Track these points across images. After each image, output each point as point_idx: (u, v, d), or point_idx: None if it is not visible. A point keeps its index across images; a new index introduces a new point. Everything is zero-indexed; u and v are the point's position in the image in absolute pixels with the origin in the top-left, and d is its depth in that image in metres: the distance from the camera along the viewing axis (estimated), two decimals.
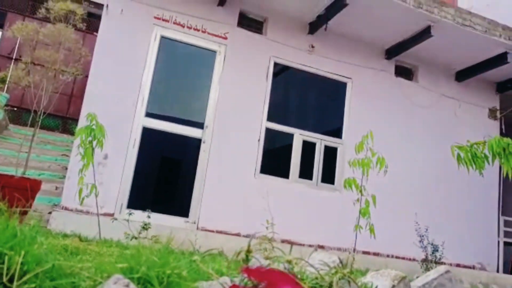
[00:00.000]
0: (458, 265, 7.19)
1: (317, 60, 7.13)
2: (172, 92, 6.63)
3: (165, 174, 9.90)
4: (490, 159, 4.80)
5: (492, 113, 8.23)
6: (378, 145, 6.86)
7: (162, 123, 6.27)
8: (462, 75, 7.97)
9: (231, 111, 6.53)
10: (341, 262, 1.27)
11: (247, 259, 1.15)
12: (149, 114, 6.20)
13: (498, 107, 8.29)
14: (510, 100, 8.30)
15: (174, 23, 6.47)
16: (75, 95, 9.90)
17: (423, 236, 6.47)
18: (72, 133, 8.93)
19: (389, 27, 6.97)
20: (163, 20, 6.42)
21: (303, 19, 7.05)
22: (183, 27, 6.51)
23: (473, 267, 7.42)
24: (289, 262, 1.30)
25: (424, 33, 6.80)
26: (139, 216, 4.97)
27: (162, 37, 6.41)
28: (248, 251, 1.12)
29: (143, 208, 5.27)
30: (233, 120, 6.51)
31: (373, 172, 4.62)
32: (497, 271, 7.64)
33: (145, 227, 4.54)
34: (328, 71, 7.18)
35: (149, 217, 4.75)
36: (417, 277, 2.65)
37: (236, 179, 6.37)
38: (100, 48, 6.13)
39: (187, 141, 7.07)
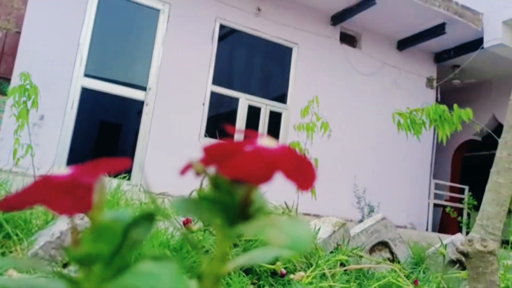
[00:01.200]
0: None
1: (263, 23, 7.06)
2: (113, 52, 6.37)
3: (106, 137, 9.59)
4: (427, 125, 5.06)
5: (429, 82, 8.58)
6: (322, 110, 6.95)
7: (102, 84, 6.03)
8: (403, 44, 8.21)
9: (175, 73, 6.38)
10: (287, 206, 1.30)
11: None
12: (88, 75, 5.93)
13: (435, 77, 8.65)
14: (446, 70, 8.68)
15: None
16: (6, 52, 9.27)
17: (360, 197, 6.76)
18: (3, 93, 8.42)
19: None
20: None
21: None
22: None
23: (405, 227, 7.87)
24: None
25: (368, 1, 6.90)
26: None
27: None
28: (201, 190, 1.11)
29: None
30: (177, 82, 6.37)
31: (317, 136, 4.70)
32: (426, 230, 8.15)
33: None
34: (274, 35, 7.15)
35: None
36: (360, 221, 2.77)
37: (180, 142, 6.29)
38: (35, 1, 5.73)
39: (129, 103, 6.86)
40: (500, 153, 1.05)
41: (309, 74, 7.38)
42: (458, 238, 1.78)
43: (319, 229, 1.18)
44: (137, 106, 6.68)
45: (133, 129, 6.34)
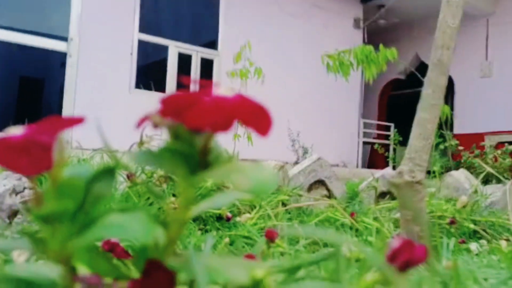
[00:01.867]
0: None
1: None
2: (27, 1, 5.87)
3: (27, 93, 9.01)
4: (355, 65, 5.22)
5: (356, 23, 8.75)
6: (254, 55, 6.94)
7: (17, 35, 5.59)
8: None
9: (98, 21, 6.02)
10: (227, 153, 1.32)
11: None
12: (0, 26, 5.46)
13: (361, 17, 8.82)
14: (372, 10, 8.86)
15: None
16: None
17: (294, 140, 6.96)
18: None
19: None
20: None
21: None
22: None
23: (337, 165, 8.26)
24: None
25: None
26: None
27: None
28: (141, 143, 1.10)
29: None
30: (101, 32, 6.03)
31: (251, 82, 4.71)
32: (357, 167, 8.61)
33: None
34: None
35: None
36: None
37: (109, 95, 6.06)
38: None
39: (50, 56, 6.46)
40: (426, 90, 1.12)
41: (239, 18, 7.25)
42: (388, 171, 1.92)
43: None
44: (60, 58, 6.30)
45: (57, 84, 6.00)
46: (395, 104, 11.43)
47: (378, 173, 1.92)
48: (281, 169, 1.38)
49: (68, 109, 5.79)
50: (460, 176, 1.83)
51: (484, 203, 1.62)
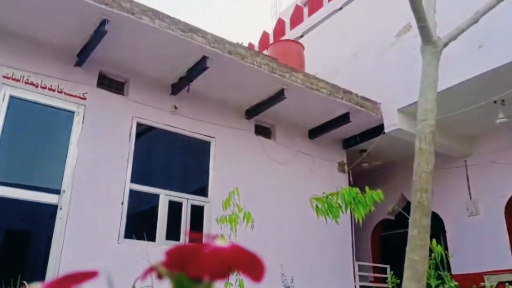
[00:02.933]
0: None
1: (180, 120, 7.23)
2: (24, 155, 6.09)
3: (12, 247, 8.77)
4: (343, 207, 5.30)
5: (340, 166, 9.11)
6: (243, 201, 7.04)
7: (10, 190, 5.68)
8: (314, 133, 8.77)
9: (91, 173, 6.21)
10: None
11: None
12: None
13: (345, 161, 9.22)
14: (354, 154, 9.30)
15: (26, 82, 6.06)
16: None
17: (289, 287, 6.70)
18: None
19: (248, 90, 7.45)
20: (13, 79, 5.98)
21: (165, 80, 7.17)
22: (37, 87, 6.13)
23: None
24: None
25: (279, 95, 7.40)
26: None
27: (12, 97, 5.95)
28: None
29: None
30: (93, 183, 6.18)
31: (241, 228, 4.71)
32: None
33: None
34: (192, 131, 7.32)
35: None
36: None
37: (98, 246, 5.95)
38: None
39: (40, 208, 6.47)
40: (411, 231, 1.15)
41: (228, 166, 7.53)
42: None
43: None
44: (49, 211, 6.31)
45: (44, 236, 5.93)
46: (387, 244, 11.31)
47: None
48: None
49: (54, 261, 5.62)
50: None
51: None
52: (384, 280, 9.41)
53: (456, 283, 5.91)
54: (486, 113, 7.69)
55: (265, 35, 13.34)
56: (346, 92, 7.97)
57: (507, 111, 7.48)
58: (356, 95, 8.08)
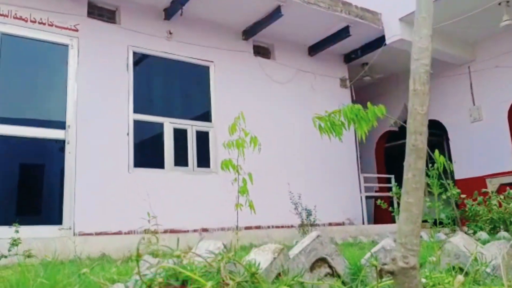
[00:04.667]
0: (330, 224, 7.86)
1: (177, 46, 7.08)
2: (24, 93, 6.06)
3: (29, 182, 9.07)
4: (346, 125, 5.33)
5: (342, 82, 9.02)
6: (248, 124, 7.10)
7: (16, 128, 5.73)
8: (314, 50, 8.58)
9: (94, 107, 6.21)
10: (225, 247, 1.34)
11: (137, 264, 1.15)
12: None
13: (347, 77, 9.11)
14: (356, 68, 9.16)
15: (14, 17, 5.88)
16: None
17: (297, 203, 6.95)
18: None
19: (243, 9, 7.19)
20: (1, 15, 5.79)
21: (157, 5, 6.91)
22: (26, 21, 5.95)
23: (343, 223, 8.18)
24: (178, 256, 1.33)
25: (276, 13, 7.15)
26: (5, 232, 4.55)
27: (2, 34, 5.80)
28: (138, 255, 1.12)
29: (8, 222, 4.81)
30: (97, 116, 6.20)
31: (248, 151, 4.77)
32: (363, 223, 8.53)
33: (15, 243, 4.17)
34: (189, 56, 7.19)
35: (17, 231, 4.36)
36: (296, 242, 2.86)
37: (109, 177, 6.12)
38: None
39: (49, 144, 6.58)
40: (406, 175, 1.16)
41: (229, 89, 7.48)
42: (387, 242, 1.92)
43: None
44: (58, 145, 6.41)
45: (57, 169, 6.06)
46: (391, 155, 11.51)
47: (376, 246, 1.92)
48: (281, 252, 1.39)
49: (69, 192, 5.82)
50: (459, 242, 1.84)
51: (486, 270, 1.61)
52: (389, 190, 9.71)
53: (459, 190, 6.10)
54: (490, 16, 7.43)
55: None
56: (346, 3, 7.68)
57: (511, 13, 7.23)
58: (356, 7, 7.79)
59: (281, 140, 7.79)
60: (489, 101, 8.72)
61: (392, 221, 8.40)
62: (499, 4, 7.24)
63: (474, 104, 8.95)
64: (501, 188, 7.41)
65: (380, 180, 10.46)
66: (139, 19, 6.80)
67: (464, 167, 9.03)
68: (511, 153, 8.33)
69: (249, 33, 7.75)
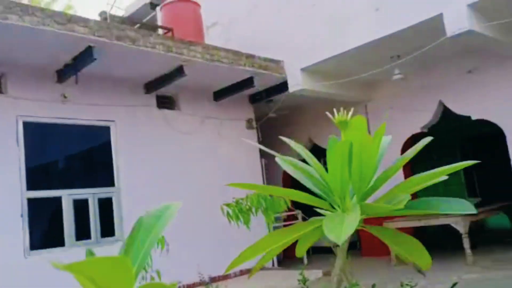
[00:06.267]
0: (241, 272, 7.98)
1: (73, 109, 6.64)
2: None
3: None
4: (254, 211, 5.39)
5: (249, 123, 9.10)
6: (152, 180, 7.04)
7: None
8: (219, 95, 8.53)
9: None
10: None
11: None
12: None
13: (253, 118, 9.20)
14: (262, 106, 9.27)
15: None
16: None
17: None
18: None
19: (145, 68, 6.94)
20: None
21: (48, 68, 6.40)
22: None
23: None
24: None
25: (178, 72, 6.98)
26: None
27: None
28: None
29: None
30: None
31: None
32: (273, 265, 8.77)
33: None
34: (87, 119, 6.79)
35: None
36: None
37: (2, 265, 5.65)
38: None
39: None
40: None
41: (132, 148, 7.21)
42: None
43: None
44: None
45: None
46: (298, 183, 11.88)
47: None
48: None
49: None
50: None
51: None
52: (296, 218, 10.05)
53: None
54: (385, 66, 7.79)
55: None
56: (249, 56, 7.70)
57: (402, 67, 7.70)
58: (259, 58, 7.84)
59: (185, 191, 7.64)
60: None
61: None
62: (391, 57, 7.68)
63: None
64: None
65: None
66: (28, 85, 6.26)
67: None
68: None
69: (151, 87, 7.49)
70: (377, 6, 6.97)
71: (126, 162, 7.05)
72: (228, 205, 5.44)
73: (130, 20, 12.68)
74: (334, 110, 1.67)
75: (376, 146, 1.57)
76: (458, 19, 6.10)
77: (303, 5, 7.96)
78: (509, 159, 7.64)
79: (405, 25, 6.65)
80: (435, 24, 6.31)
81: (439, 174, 1.60)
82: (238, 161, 8.60)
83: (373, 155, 1.56)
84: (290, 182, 11.29)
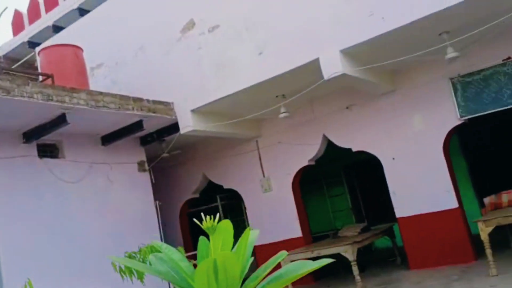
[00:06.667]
0: None
1: None
2: None
3: None
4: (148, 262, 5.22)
5: (141, 166, 8.88)
6: (33, 235, 6.48)
7: None
8: (108, 140, 8.23)
9: None
10: None
11: None
12: None
13: (145, 159, 9.00)
14: (153, 147, 9.11)
15: None
16: None
17: None
18: None
19: (23, 119, 6.50)
20: None
21: None
22: None
23: None
24: None
25: (61, 120, 6.63)
26: None
27: None
28: None
29: None
30: None
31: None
32: None
33: None
34: None
35: None
36: None
37: None
38: None
39: None
40: None
41: (10, 201, 6.62)
42: None
43: None
44: None
45: None
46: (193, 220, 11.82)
47: None
48: None
49: None
50: None
51: None
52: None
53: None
54: (272, 103, 8.10)
55: (18, 16, 11.59)
56: (137, 100, 7.57)
57: (288, 105, 8.09)
58: (148, 101, 7.75)
59: (69, 243, 7.16)
60: (276, 173, 9.65)
61: None
62: (276, 96, 8.04)
63: (264, 176, 9.79)
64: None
65: (187, 246, 10.64)
66: None
67: (260, 233, 9.78)
68: (297, 220, 9.38)
69: (31, 136, 6.99)
70: (261, 51, 7.30)
71: (4, 217, 6.46)
72: (119, 258, 5.25)
73: (6, 59, 11.87)
74: (202, 215, 1.71)
75: (240, 257, 1.63)
76: (333, 63, 6.60)
77: (190, 48, 8.05)
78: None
79: (287, 68, 7.03)
80: (315, 66, 6.76)
81: None
82: (131, 206, 8.32)
83: (237, 268, 1.61)
84: (188, 221, 11.20)
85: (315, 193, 12.66)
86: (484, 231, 6.35)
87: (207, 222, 1.63)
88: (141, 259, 5.29)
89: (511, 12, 5.84)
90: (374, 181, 10.71)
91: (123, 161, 8.51)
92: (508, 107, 7.31)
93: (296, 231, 9.35)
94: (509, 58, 7.25)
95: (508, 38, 7.22)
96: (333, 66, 6.61)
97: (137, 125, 7.86)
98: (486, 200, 7.95)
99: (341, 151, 9.15)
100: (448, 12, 5.82)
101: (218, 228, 1.60)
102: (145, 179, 8.86)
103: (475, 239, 7.43)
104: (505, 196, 7.75)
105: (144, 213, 8.57)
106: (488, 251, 6.33)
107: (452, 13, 5.89)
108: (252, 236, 1.80)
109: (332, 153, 9.82)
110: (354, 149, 8.81)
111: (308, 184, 11.98)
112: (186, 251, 10.19)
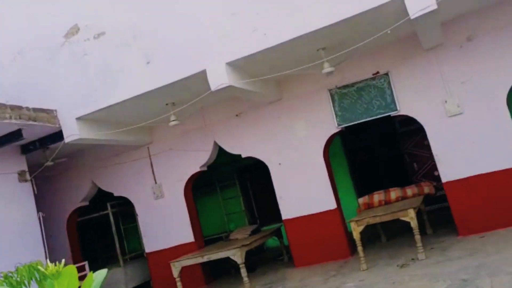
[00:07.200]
0: None
1: None
2: None
3: None
4: (26, 284, 5.02)
5: (21, 176, 8.39)
6: None
7: None
8: None
9: None
10: None
11: None
12: None
13: (26, 169, 8.51)
14: (36, 159, 8.65)
15: None
16: None
17: None
18: None
19: None
20: None
21: None
22: None
23: None
24: None
25: None
26: None
27: None
28: None
29: None
30: None
31: None
32: None
33: None
34: None
35: None
36: None
37: None
38: None
39: None
40: None
41: None
42: None
43: None
44: None
45: None
46: (84, 228, 11.48)
47: None
48: None
49: None
50: None
51: None
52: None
53: None
54: (161, 117, 8.14)
55: None
56: (15, 108, 7.15)
57: (179, 113, 8.17)
58: (28, 109, 7.35)
59: None
60: (168, 179, 9.69)
61: None
62: (166, 104, 8.09)
63: (156, 183, 9.78)
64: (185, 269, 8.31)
65: (75, 257, 10.26)
66: None
67: (153, 240, 9.79)
68: (189, 226, 9.51)
69: None
70: (149, 60, 7.30)
71: None
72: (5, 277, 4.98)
73: None
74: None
75: None
76: (219, 75, 6.82)
77: (74, 54, 7.79)
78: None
79: (175, 78, 7.10)
80: (203, 76, 6.92)
81: None
82: (10, 220, 7.83)
83: None
84: (76, 229, 10.79)
85: (209, 197, 12.88)
86: (356, 230, 7.02)
87: (50, 268, 1.71)
88: (18, 279, 5.09)
89: (377, 34, 6.51)
90: (265, 183, 11.18)
91: (1, 171, 7.98)
92: (378, 116, 8.12)
93: (188, 236, 9.48)
94: (377, 72, 8.05)
95: (377, 55, 8.02)
96: (219, 78, 6.83)
97: (16, 134, 7.44)
98: (360, 200, 8.75)
99: (234, 155, 9.46)
100: (321, 32, 6.34)
101: (63, 273, 1.70)
102: (27, 189, 8.39)
103: (352, 236, 8.16)
104: (376, 196, 8.61)
105: (25, 227, 8.12)
106: (360, 248, 7.01)
107: (323, 34, 6.42)
108: (99, 278, 1.91)
109: (225, 157, 10.10)
110: (243, 155, 9.16)
111: (202, 188, 12.18)
112: (74, 260, 9.87)
